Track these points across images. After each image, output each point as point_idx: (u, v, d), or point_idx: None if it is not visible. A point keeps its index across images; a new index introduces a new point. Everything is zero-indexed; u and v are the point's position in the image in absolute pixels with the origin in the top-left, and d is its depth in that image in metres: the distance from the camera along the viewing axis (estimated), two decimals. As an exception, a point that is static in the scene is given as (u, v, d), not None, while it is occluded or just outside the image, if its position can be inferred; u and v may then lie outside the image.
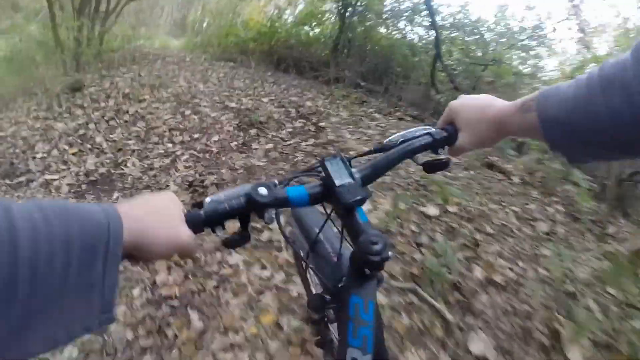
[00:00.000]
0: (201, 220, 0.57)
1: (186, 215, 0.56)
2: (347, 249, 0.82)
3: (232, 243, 0.62)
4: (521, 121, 0.59)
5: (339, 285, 0.70)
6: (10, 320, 0.32)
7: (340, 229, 0.79)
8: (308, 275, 1.14)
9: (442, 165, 0.72)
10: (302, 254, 0.95)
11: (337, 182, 0.64)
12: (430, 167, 0.73)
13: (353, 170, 0.67)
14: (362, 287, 0.62)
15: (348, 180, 0.64)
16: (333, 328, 0.93)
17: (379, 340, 0.73)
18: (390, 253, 0.59)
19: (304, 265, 1.04)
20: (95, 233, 0.39)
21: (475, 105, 0.67)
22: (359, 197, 0.63)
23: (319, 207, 0.75)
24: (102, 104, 4.95)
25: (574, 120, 0.50)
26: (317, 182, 0.67)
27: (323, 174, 0.67)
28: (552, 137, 0.54)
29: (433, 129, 0.72)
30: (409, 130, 0.73)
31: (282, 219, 0.69)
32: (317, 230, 0.91)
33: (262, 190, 0.60)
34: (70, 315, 0.37)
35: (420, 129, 0.72)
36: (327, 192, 0.66)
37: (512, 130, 0.62)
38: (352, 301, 0.62)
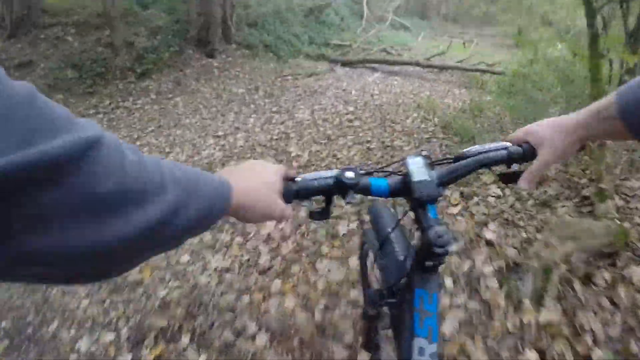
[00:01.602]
0: (293, 193, 0.65)
1: (282, 188, 0.64)
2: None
3: (315, 216, 0.70)
4: (604, 128, 0.61)
5: (402, 281, 0.76)
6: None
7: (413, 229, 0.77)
8: (370, 272, 1.18)
9: (516, 177, 0.73)
10: (368, 250, 1.11)
11: (415, 178, 0.68)
12: (506, 178, 0.75)
13: (432, 170, 0.71)
14: (427, 280, 0.68)
15: (425, 177, 0.68)
16: (382, 335, 1.01)
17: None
18: (452, 248, 0.69)
19: (369, 262, 1.14)
20: (213, 205, 0.48)
21: (551, 124, 0.69)
22: (433, 194, 0.67)
23: (396, 211, 0.88)
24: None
25: None
26: (398, 178, 0.72)
27: (404, 170, 0.71)
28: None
29: (510, 145, 0.73)
30: (487, 144, 0.75)
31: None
32: (389, 230, 0.95)
33: (349, 174, 0.66)
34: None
35: (497, 144, 0.74)
36: (406, 187, 0.70)
37: (594, 137, 0.65)
38: (417, 294, 0.67)
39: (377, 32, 10.92)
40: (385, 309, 0.90)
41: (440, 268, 0.70)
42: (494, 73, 7.46)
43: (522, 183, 0.71)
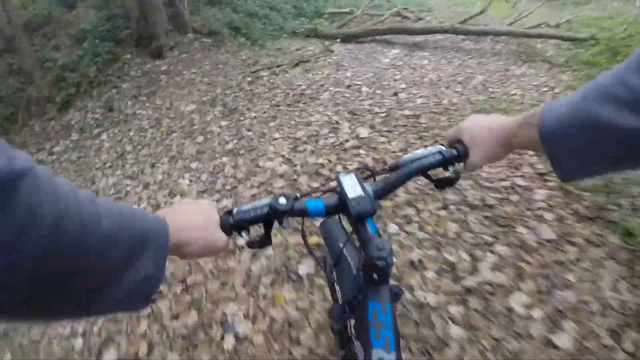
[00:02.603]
0: (229, 226, 0.66)
1: (220, 221, 0.65)
2: None
3: (255, 245, 0.72)
4: (524, 136, 0.60)
5: (357, 296, 0.78)
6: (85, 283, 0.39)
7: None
8: (334, 287, 1.15)
9: (450, 182, 0.76)
10: (326, 267, 1.08)
11: (350, 195, 0.69)
12: (440, 184, 0.77)
13: (365, 185, 0.72)
14: (377, 292, 0.67)
15: (360, 193, 0.69)
16: (357, 345, 0.90)
17: (398, 340, 0.71)
18: (394, 259, 0.64)
19: (328, 278, 1.11)
20: (149, 236, 0.46)
21: (483, 125, 0.70)
22: (369, 209, 0.68)
23: (346, 225, 0.77)
24: None
25: (571, 131, 0.51)
26: (334, 196, 0.73)
27: (338, 188, 0.72)
28: (551, 149, 0.55)
29: (444, 148, 0.74)
30: (422, 150, 0.75)
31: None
32: (341, 246, 0.95)
33: (282, 200, 0.67)
34: (122, 293, 0.43)
35: (431, 149, 0.75)
36: (341, 205, 0.71)
37: (517, 145, 0.64)
38: (370, 306, 0.67)
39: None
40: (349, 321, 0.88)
41: (397, 287, 0.76)
42: (570, 40, 4.96)
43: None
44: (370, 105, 3.45)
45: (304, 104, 3.74)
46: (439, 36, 5.83)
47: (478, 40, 5.69)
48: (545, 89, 3.72)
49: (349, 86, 4.07)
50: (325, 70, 4.75)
